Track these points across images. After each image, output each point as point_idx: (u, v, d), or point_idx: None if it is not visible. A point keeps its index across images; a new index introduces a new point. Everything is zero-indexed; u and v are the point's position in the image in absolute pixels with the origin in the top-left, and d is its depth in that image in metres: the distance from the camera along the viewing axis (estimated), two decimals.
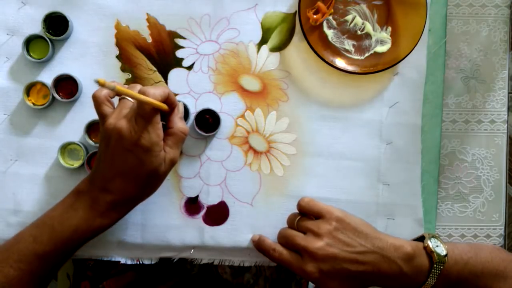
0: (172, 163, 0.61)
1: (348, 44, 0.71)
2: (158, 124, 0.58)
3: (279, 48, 0.72)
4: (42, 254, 0.59)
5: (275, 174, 0.72)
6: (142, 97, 0.56)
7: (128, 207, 0.62)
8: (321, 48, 0.70)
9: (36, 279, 0.60)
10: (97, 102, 0.60)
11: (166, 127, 0.62)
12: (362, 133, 0.72)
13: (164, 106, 0.60)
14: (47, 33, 0.69)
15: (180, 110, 0.63)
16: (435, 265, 0.61)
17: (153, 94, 0.57)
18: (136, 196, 0.62)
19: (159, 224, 0.71)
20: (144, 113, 0.57)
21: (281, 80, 0.72)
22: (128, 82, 0.71)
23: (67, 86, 0.69)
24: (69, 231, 0.60)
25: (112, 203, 0.60)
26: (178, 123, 0.62)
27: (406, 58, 0.69)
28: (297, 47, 0.72)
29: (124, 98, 0.60)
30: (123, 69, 0.71)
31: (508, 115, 0.76)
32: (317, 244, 0.61)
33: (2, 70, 0.70)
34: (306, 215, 0.66)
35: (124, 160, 0.58)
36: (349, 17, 0.71)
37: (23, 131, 0.71)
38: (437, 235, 0.65)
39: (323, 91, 0.72)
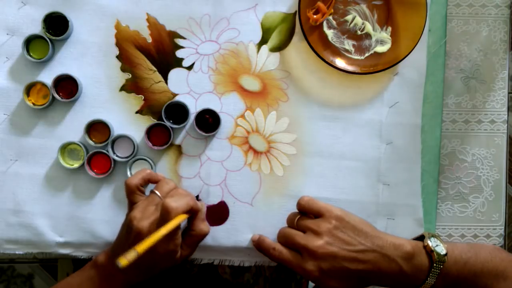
0: (186, 258, 0.66)
1: (348, 44, 0.71)
2: (176, 235, 0.62)
3: (279, 48, 0.72)
4: None
5: (275, 174, 0.72)
6: (163, 233, 0.58)
7: (142, 280, 0.66)
8: (321, 48, 0.70)
9: None
10: (128, 191, 0.64)
11: (189, 228, 0.65)
12: (362, 133, 0.72)
13: (185, 217, 0.62)
14: (47, 33, 0.69)
15: (203, 212, 0.66)
16: (434, 264, 0.61)
17: (176, 208, 0.60)
18: (149, 277, 0.65)
19: None
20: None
21: (281, 80, 0.72)
22: (128, 81, 0.71)
23: (67, 86, 0.69)
24: None
25: (127, 281, 0.64)
26: (199, 226, 0.65)
27: (406, 58, 0.69)
28: (297, 47, 0.72)
29: (154, 192, 0.64)
30: (123, 69, 0.71)
31: (508, 115, 0.76)
32: (317, 243, 0.61)
33: (2, 70, 0.70)
34: (306, 214, 0.66)
35: (140, 256, 0.59)
36: (349, 17, 0.71)
37: (23, 131, 0.71)
38: (436, 235, 0.65)
39: (323, 91, 0.72)
